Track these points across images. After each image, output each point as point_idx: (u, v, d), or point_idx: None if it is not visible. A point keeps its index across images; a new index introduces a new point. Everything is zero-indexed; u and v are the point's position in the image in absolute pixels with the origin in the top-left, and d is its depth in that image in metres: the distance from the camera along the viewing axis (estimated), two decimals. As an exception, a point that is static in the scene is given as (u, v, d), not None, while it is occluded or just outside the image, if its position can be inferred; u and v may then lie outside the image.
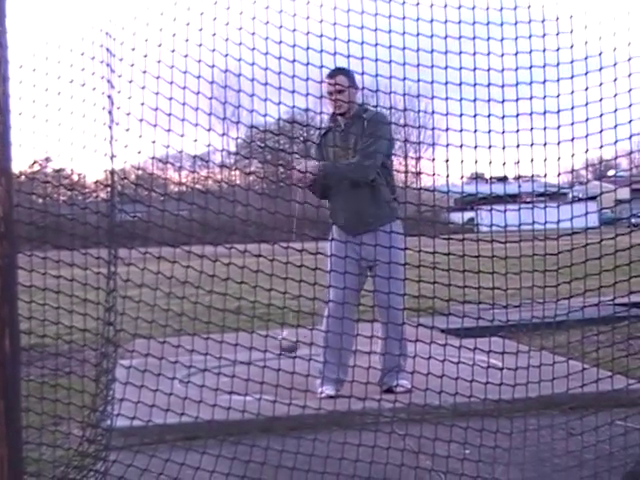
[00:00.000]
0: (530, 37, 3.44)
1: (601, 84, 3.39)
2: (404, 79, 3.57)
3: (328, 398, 4.71)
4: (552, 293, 3.79)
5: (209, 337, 3.69)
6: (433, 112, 3.66)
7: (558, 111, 3.45)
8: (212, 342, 3.71)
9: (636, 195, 5.80)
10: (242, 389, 3.84)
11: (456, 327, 4.46)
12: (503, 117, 3.52)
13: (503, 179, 4.35)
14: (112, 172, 3.54)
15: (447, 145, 3.62)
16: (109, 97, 3.38)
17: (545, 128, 3.48)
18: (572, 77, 3.45)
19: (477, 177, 4.02)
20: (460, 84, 3.54)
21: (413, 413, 3.97)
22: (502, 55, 3.47)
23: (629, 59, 3.39)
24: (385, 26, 3.54)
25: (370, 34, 3.53)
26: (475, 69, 3.52)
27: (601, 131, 3.39)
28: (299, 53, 3.54)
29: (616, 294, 3.58)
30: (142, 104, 3.44)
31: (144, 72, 3.45)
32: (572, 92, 3.45)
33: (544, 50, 3.45)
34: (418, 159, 4.54)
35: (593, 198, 5.23)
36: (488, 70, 3.49)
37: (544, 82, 3.47)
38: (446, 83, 3.54)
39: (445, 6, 3.45)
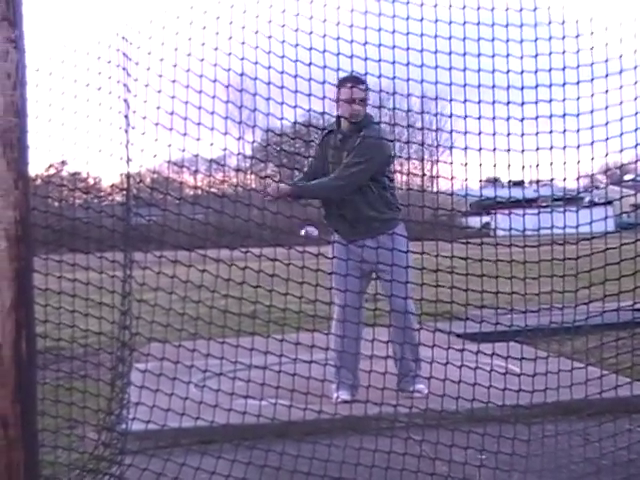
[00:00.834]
0: (550, 39, 3.41)
1: (621, 87, 3.36)
2: (422, 81, 3.55)
3: (343, 403, 4.69)
4: (570, 298, 3.75)
5: (225, 341, 3.68)
6: (451, 115, 3.63)
7: (577, 114, 3.42)
8: (228, 346, 3.70)
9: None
10: (258, 393, 3.82)
11: (473, 332, 4.42)
12: (522, 120, 3.49)
13: (520, 183, 4.32)
14: (128, 176, 3.54)
15: (465, 148, 3.59)
16: (125, 101, 3.38)
17: (565, 131, 3.45)
18: (592, 79, 3.42)
19: (495, 181, 3.99)
20: (479, 86, 3.51)
21: (429, 418, 3.94)
22: (521, 57, 3.45)
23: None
24: (402, 28, 3.52)
25: (387, 36, 3.52)
26: (494, 71, 3.49)
27: (621, 134, 3.35)
28: (316, 56, 3.53)
29: (635, 299, 3.54)
30: (158, 108, 3.43)
31: (160, 76, 3.45)
32: (592, 95, 3.41)
33: (564, 52, 3.42)
34: (435, 162, 4.51)
35: (609, 203, 5.19)
36: (507, 72, 3.47)
37: (564, 85, 3.44)
38: (464, 85, 3.51)
39: (463, 7, 3.43)
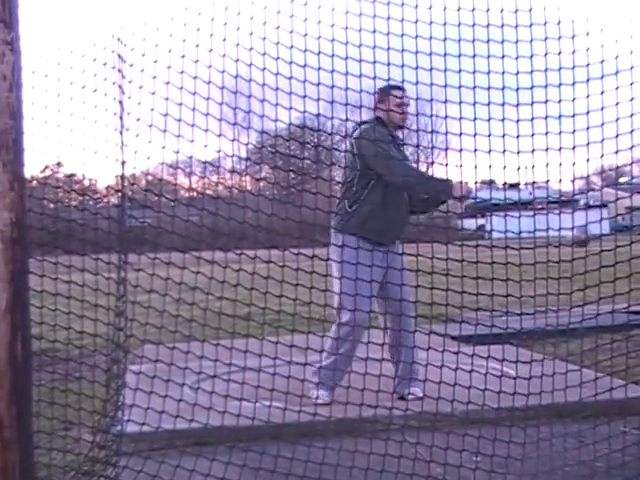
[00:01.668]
0: (545, 39, 3.41)
1: (617, 88, 3.36)
2: (417, 83, 3.55)
3: (324, 405, 4.67)
4: (565, 300, 3.76)
5: (219, 343, 3.68)
6: (446, 117, 3.63)
7: (573, 115, 3.42)
8: (222, 348, 3.70)
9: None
10: (252, 395, 3.82)
11: (468, 334, 4.43)
12: (518, 121, 3.49)
13: (515, 185, 4.33)
14: (122, 177, 3.54)
15: (460, 150, 3.60)
16: (120, 103, 3.38)
17: (560, 132, 3.46)
18: (588, 80, 3.42)
19: (490, 183, 4.00)
20: (474, 87, 3.51)
21: (424, 421, 3.94)
22: (517, 58, 3.45)
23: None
24: (398, 30, 3.53)
25: (382, 38, 3.52)
26: (489, 72, 3.50)
27: (617, 136, 3.35)
28: (310, 58, 3.53)
29: (630, 302, 3.55)
30: (152, 110, 3.43)
31: (154, 78, 3.45)
32: (587, 96, 3.42)
33: (559, 53, 3.42)
34: (431, 164, 4.53)
35: (604, 206, 5.20)
36: (502, 73, 3.47)
37: (559, 86, 3.44)
38: (459, 87, 3.52)
39: (459, 9, 3.43)
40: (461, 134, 3.57)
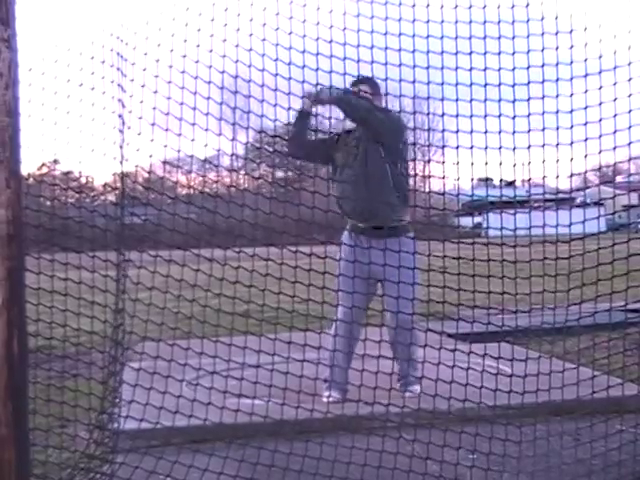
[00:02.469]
0: (542, 34, 3.40)
1: (615, 83, 3.35)
2: (414, 82, 3.56)
3: (335, 403, 4.69)
4: (562, 298, 3.76)
5: (218, 340, 3.69)
6: (443, 114, 3.64)
7: (571, 111, 3.41)
8: (221, 345, 3.70)
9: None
10: (250, 392, 3.83)
11: (465, 332, 4.43)
12: (514, 117, 3.49)
13: (511, 183, 4.33)
14: (122, 175, 3.55)
15: (457, 147, 3.60)
16: (120, 101, 3.39)
17: (558, 128, 3.45)
18: (585, 76, 3.41)
19: (487, 180, 4.00)
20: (471, 85, 3.51)
21: (421, 418, 3.95)
22: (513, 54, 3.45)
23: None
24: (395, 29, 3.53)
25: (380, 38, 3.53)
26: (485, 69, 3.50)
27: (615, 132, 3.34)
28: (309, 59, 3.55)
29: (627, 300, 3.55)
30: (154, 108, 3.45)
31: (156, 77, 3.47)
32: (586, 91, 3.40)
33: (557, 48, 3.40)
34: (427, 162, 4.53)
35: (600, 203, 5.21)
36: (499, 70, 3.47)
37: (557, 81, 3.43)
38: (456, 84, 3.52)
39: (455, 7, 3.44)
40: (457, 131, 3.58)
